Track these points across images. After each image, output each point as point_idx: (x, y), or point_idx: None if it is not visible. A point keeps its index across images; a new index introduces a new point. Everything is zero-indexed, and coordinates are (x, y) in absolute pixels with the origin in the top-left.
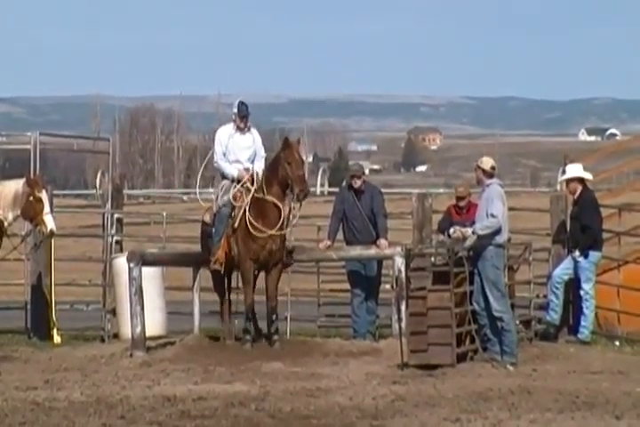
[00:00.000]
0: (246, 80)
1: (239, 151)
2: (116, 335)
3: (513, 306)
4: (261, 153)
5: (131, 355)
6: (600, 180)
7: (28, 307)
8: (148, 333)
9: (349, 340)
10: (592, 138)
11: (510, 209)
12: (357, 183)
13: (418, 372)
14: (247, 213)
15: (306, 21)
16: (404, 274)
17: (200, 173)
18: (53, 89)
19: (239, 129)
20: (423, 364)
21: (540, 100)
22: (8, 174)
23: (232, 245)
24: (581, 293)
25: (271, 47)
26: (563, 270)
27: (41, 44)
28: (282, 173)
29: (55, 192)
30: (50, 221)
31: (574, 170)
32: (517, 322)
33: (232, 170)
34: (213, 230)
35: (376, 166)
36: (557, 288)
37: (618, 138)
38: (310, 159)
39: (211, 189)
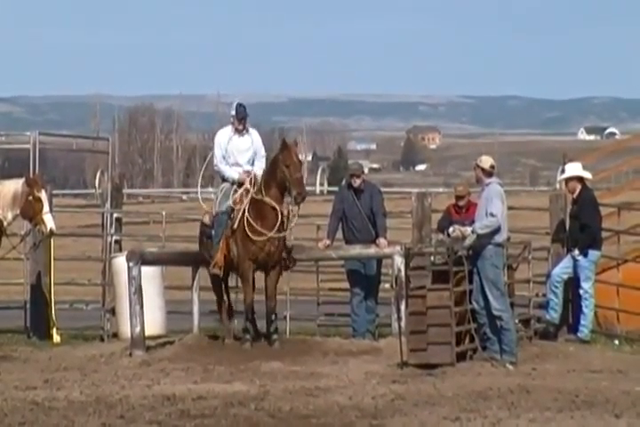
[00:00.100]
0: (245, 79)
1: (238, 154)
2: (115, 335)
3: (512, 305)
4: (262, 153)
5: (130, 354)
6: (599, 179)
7: (28, 306)
8: (148, 332)
9: (349, 339)
10: (591, 137)
11: (510, 208)
12: (357, 182)
13: (417, 371)
14: (246, 215)
15: (305, 21)
16: (403, 273)
17: (201, 175)
18: (53, 88)
19: (237, 131)
20: (423, 363)
21: (540, 100)
22: (7, 174)
23: (231, 246)
24: (581, 291)
25: (270, 47)
26: (562, 269)
27: (40, 43)
28: (280, 175)
29: (54, 192)
30: (49, 221)
31: (573, 169)
32: (517, 321)
33: (232, 173)
34: (213, 233)
35: (375, 165)
36: (557, 287)
37: (617, 137)
38: (310, 158)
39: (210, 189)
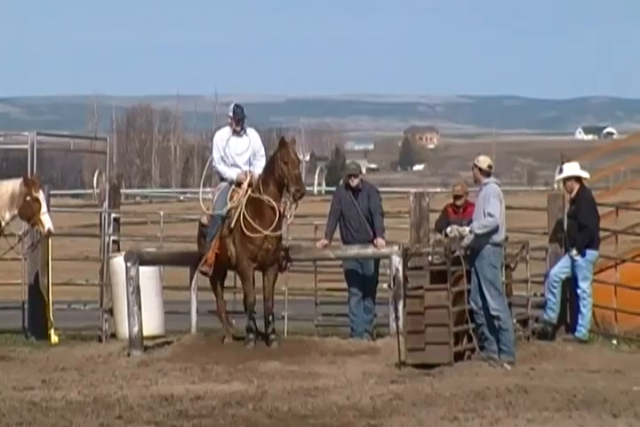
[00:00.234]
0: (243, 80)
1: (236, 156)
2: (113, 335)
3: (510, 305)
4: (261, 152)
5: (128, 354)
6: (597, 178)
7: (26, 307)
8: (146, 332)
9: (347, 339)
10: (589, 137)
11: (507, 208)
12: (354, 182)
13: (415, 371)
14: (243, 213)
15: (303, 21)
16: (401, 273)
17: (203, 176)
18: (50, 89)
19: (235, 132)
20: (420, 363)
21: (537, 99)
22: (5, 174)
23: (228, 245)
24: (579, 291)
25: (268, 47)
26: (560, 269)
27: (38, 44)
28: (278, 172)
29: (52, 192)
30: (47, 221)
31: (571, 169)
32: (515, 321)
33: (231, 173)
34: (207, 232)
35: (373, 165)
36: (555, 287)
37: (615, 137)
38: (307, 158)
39: (208, 189)
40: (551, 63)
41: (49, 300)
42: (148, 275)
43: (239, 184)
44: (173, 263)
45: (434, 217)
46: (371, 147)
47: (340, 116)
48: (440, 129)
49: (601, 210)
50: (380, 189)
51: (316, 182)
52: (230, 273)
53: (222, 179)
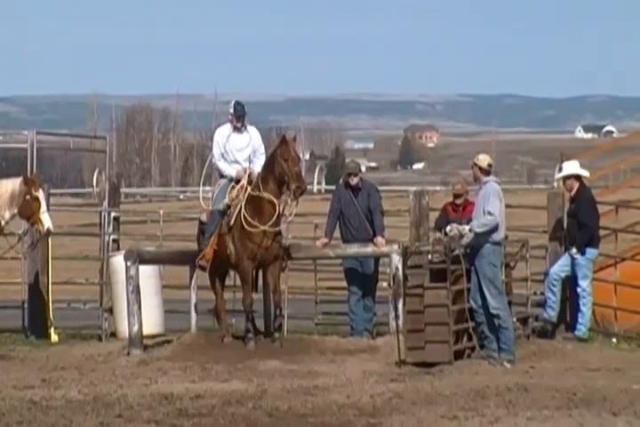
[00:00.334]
0: (243, 78)
1: (237, 152)
2: (113, 334)
3: (510, 303)
4: (261, 150)
5: (128, 353)
6: (597, 177)
7: (25, 306)
8: (146, 331)
9: (346, 338)
10: (588, 135)
11: (507, 206)
12: (354, 181)
13: (415, 369)
14: (243, 212)
15: (302, 20)
16: (401, 272)
17: (203, 174)
18: (50, 88)
19: (236, 129)
20: (420, 361)
21: (537, 98)
22: (5, 173)
23: (227, 243)
24: (578, 290)
25: (268, 46)
26: (560, 268)
27: (37, 43)
28: (278, 169)
29: (52, 191)
30: (47, 220)
31: (571, 167)
32: (514, 319)
33: (231, 170)
34: (206, 228)
35: (373, 164)
36: (554, 285)
37: (614, 135)
38: (307, 157)
39: (208, 188)
40: (551, 62)
41: (49, 299)
42: (147, 274)
43: (238, 181)
44: (173, 262)
45: (433, 216)
46: (370, 145)
47: (340, 115)
48: (440, 128)
49: (601, 208)
50: (380, 188)
51: (315, 181)
52: (230, 272)
53: (222, 176)
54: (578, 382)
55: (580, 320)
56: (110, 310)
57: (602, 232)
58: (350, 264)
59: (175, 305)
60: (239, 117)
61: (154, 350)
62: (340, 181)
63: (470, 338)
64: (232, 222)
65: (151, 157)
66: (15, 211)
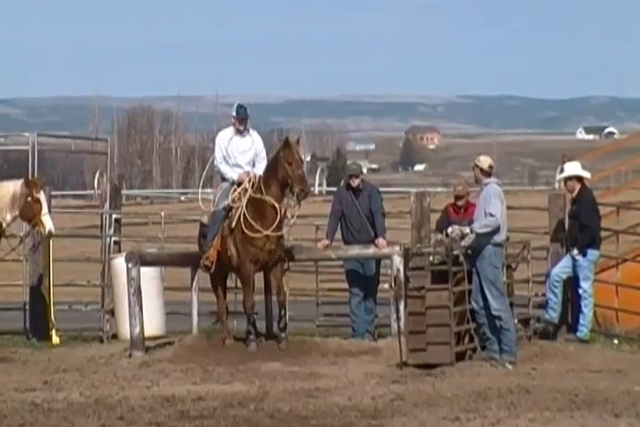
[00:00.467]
0: (244, 80)
1: (239, 155)
2: (114, 336)
3: (512, 305)
4: (262, 155)
5: (129, 355)
6: (598, 178)
7: (27, 308)
8: (147, 333)
9: (348, 339)
10: (590, 136)
11: (509, 208)
12: (355, 182)
13: (417, 371)
14: (244, 214)
15: (303, 21)
16: (402, 273)
17: (204, 176)
18: (51, 90)
19: (238, 132)
20: (422, 363)
21: (538, 99)
22: (6, 175)
23: (228, 245)
24: (580, 291)
25: (269, 47)
26: (561, 269)
27: (38, 45)
28: (282, 172)
29: (53, 193)
30: (48, 222)
31: (573, 168)
32: (516, 321)
33: (232, 173)
34: (208, 230)
35: (374, 166)
36: (556, 287)
37: (616, 136)
38: (308, 159)
39: (209, 190)
40: (552, 63)
41: (50, 301)
42: (149, 276)
43: (240, 184)
44: (174, 264)
45: (435, 217)
46: (372, 147)
47: (341, 117)
48: (441, 129)
49: (602, 210)
50: (381, 190)
51: (316, 183)
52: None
53: (223, 179)
54: (579, 384)
55: (581, 322)
56: (112, 312)
57: (603, 233)
58: (352, 266)
59: (176, 307)
60: (242, 120)
61: (155, 352)
62: (342, 182)
63: (472, 340)
64: (234, 225)
65: (152, 159)
66: (16, 213)
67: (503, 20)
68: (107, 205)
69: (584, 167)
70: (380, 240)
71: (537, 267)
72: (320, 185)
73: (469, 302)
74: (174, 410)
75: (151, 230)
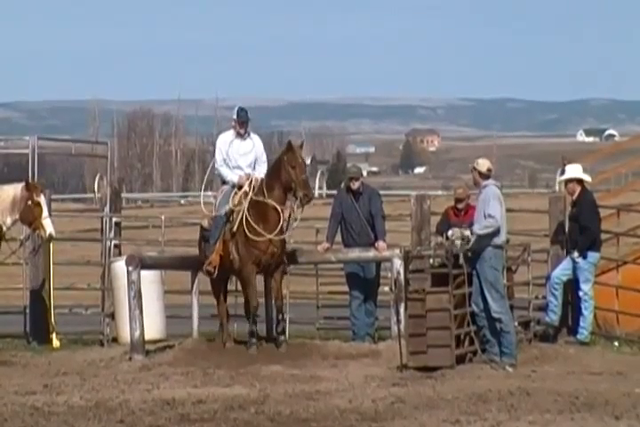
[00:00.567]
0: (244, 83)
1: (239, 157)
2: (115, 339)
3: (512, 307)
4: (263, 158)
5: (130, 359)
6: (598, 181)
7: (27, 311)
8: (147, 336)
9: (348, 342)
10: (590, 139)
11: (509, 210)
12: (355, 185)
13: (417, 374)
14: (247, 217)
15: (303, 24)
16: (402, 276)
17: (205, 179)
18: (51, 94)
19: (239, 135)
20: (422, 366)
21: (538, 102)
22: (6, 179)
23: (230, 249)
24: (580, 293)
25: (269, 50)
26: (561, 271)
27: (38, 48)
28: (285, 176)
29: (53, 196)
30: (48, 225)
31: (573, 171)
32: (516, 323)
33: (233, 176)
34: (210, 234)
35: (374, 169)
36: (556, 289)
37: (616, 139)
38: (309, 162)
39: (209, 193)
40: (552, 65)
41: (50, 304)
42: (149, 279)
43: (240, 187)
44: (175, 267)
45: (435, 220)
46: (372, 150)
47: (341, 120)
48: (441, 132)
49: (602, 212)
50: (381, 192)
51: (317, 186)
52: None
53: (224, 182)
54: (580, 386)
55: (581, 324)
56: (112, 316)
57: (603, 236)
58: (352, 269)
59: (177, 310)
60: (242, 124)
61: (155, 355)
62: (342, 185)
63: (472, 342)
64: (235, 228)
65: (152, 163)
66: (17, 216)
67: (503, 22)
68: (107, 209)
69: (584, 170)
70: (380, 243)
71: (537, 269)
72: (320, 188)
73: (470, 305)
74: (175, 413)
75: (151, 234)
